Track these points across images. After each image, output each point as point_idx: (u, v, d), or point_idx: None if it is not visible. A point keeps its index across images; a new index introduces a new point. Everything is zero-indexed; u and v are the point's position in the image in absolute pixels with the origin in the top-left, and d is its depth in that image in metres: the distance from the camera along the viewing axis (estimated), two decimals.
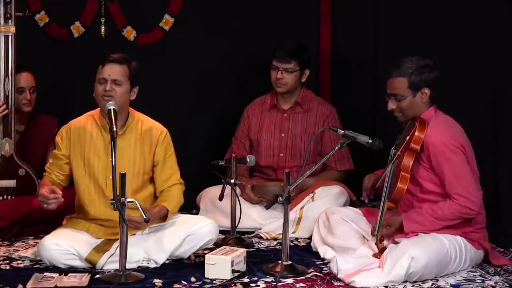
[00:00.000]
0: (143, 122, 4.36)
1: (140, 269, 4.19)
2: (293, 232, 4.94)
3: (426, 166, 4.23)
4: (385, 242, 4.19)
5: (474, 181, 4.22)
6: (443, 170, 4.17)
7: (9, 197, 4.97)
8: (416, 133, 4.18)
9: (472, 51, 5.15)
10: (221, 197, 4.80)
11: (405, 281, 3.99)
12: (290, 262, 4.19)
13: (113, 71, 4.24)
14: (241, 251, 4.20)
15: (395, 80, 4.28)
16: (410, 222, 4.19)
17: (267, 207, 4.28)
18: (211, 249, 4.34)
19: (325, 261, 4.38)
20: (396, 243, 4.14)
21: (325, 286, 4.00)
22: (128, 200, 3.94)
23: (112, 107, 4.12)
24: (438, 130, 4.22)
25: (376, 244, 4.21)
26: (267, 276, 4.13)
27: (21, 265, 4.30)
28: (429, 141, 4.19)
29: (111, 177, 4.21)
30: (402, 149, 4.22)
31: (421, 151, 4.21)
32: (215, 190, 5.03)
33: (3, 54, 4.93)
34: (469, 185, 4.17)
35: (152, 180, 4.39)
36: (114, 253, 4.17)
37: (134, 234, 4.27)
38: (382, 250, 4.14)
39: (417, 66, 4.24)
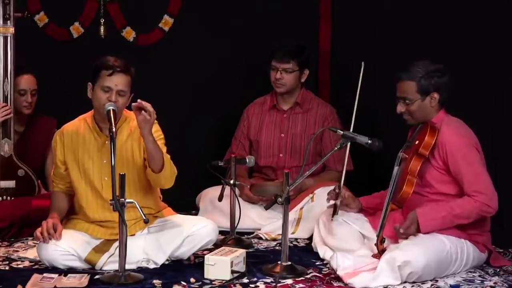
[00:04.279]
0: (132, 119, 4.31)
1: (140, 269, 4.19)
2: (293, 233, 4.94)
3: (439, 167, 4.20)
4: (385, 244, 4.19)
5: (491, 180, 4.18)
6: (461, 168, 4.13)
7: (9, 197, 4.97)
8: (426, 138, 4.15)
9: (472, 50, 5.15)
10: (220, 198, 4.79)
11: (404, 282, 3.99)
12: (289, 263, 4.19)
13: (120, 82, 4.18)
14: (241, 252, 4.19)
15: (404, 83, 4.26)
16: (426, 220, 4.09)
17: (266, 208, 4.27)
18: (210, 250, 4.34)
19: (325, 262, 4.38)
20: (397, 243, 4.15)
21: (324, 286, 3.99)
22: (127, 200, 3.94)
23: (111, 108, 4.10)
24: (454, 128, 4.20)
25: (376, 245, 4.21)
26: (267, 277, 4.13)
27: (21, 266, 4.30)
28: (446, 139, 4.16)
29: (106, 178, 4.22)
30: (410, 152, 4.21)
31: (435, 151, 4.17)
32: (215, 190, 5.03)
33: (2, 55, 4.92)
34: (488, 182, 4.15)
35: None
36: (114, 253, 4.16)
37: (134, 235, 4.26)
38: (382, 251, 4.13)
39: (427, 70, 4.22)
